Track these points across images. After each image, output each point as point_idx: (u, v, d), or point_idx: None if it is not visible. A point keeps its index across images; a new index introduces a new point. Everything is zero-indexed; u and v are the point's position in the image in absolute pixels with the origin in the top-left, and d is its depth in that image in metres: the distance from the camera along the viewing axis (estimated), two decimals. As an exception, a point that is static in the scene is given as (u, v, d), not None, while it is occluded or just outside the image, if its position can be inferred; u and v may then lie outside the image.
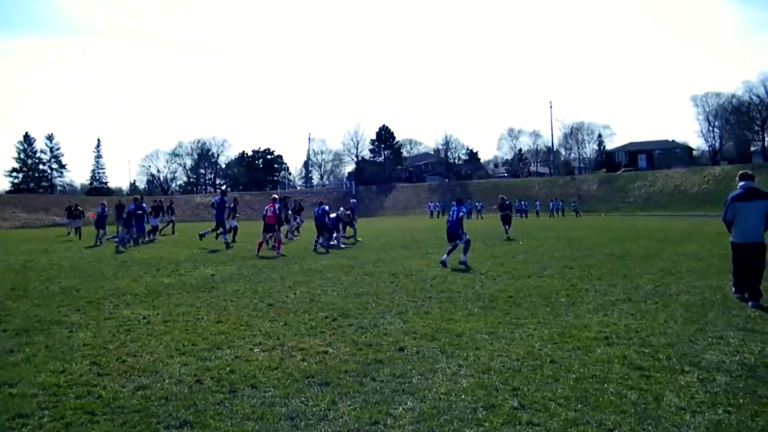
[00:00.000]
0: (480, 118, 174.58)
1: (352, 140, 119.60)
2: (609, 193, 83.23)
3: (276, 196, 23.40)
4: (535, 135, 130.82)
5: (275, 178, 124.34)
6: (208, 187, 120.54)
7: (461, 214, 16.98)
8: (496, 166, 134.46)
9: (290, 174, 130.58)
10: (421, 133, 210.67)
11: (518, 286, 12.58)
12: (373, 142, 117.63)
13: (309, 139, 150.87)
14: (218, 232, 25.17)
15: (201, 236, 26.42)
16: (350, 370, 7.00)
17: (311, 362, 7.34)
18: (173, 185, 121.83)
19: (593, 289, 12.13)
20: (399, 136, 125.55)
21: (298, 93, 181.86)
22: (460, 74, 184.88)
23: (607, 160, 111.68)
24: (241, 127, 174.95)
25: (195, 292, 12.55)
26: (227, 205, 25.65)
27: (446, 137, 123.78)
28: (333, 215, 24.24)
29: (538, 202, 72.29)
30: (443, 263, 16.11)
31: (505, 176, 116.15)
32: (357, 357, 7.52)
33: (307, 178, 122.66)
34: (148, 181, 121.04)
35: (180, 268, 16.90)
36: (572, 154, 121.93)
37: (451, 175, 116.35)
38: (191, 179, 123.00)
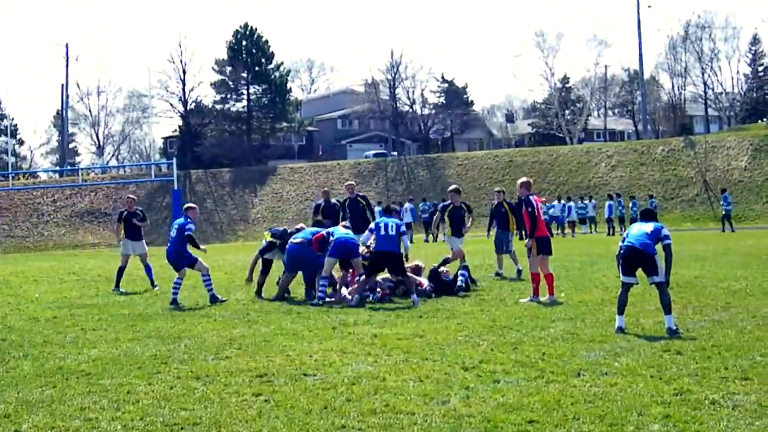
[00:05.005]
0: (468, 17, 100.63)
1: (170, 62, 53.60)
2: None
3: None
4: (600, 43, 79.87)
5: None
6: None
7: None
8: (509, 118, 75.35)
9: (19, 141, 65.34)
10: (333, 49, 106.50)
11: (549, 396, 5.58)
12: (220, 65, 53.65)
13: (66, 58, 56.42)
14: None
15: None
16: None
17: None
18: None
19: (726, 401, 5.33)
20: (283, 55, 62.78)
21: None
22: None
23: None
24: None
25: None
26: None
27: (393, 61, 57.03)
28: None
29: (612, 203, 32.52)
30: (620, 329, 8.06)
31: (532, 138, 62.27)
32: None
33: (64, 152, 60.01)
34: None
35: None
36: (687, 87, 59.51)
37: (407, 142, 58.62)
38: None
